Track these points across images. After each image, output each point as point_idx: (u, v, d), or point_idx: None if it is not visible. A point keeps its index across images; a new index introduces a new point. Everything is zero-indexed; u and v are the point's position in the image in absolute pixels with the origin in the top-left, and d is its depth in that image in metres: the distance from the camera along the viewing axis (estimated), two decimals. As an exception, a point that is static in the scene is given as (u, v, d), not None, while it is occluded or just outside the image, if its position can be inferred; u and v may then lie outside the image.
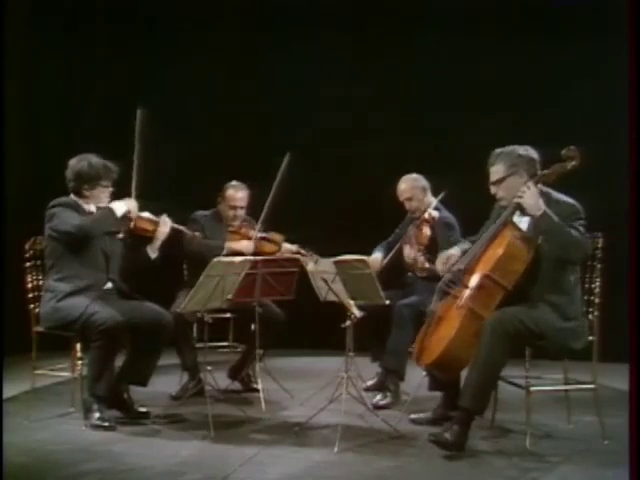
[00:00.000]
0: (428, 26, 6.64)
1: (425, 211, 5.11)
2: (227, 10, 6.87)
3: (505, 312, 3.90)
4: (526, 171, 4.00)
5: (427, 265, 4.98)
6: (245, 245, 5.16)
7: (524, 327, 3.85)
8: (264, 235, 5.24)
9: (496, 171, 4.06)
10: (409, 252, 5.09)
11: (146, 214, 4.63)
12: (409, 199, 5.15)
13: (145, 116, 4.72)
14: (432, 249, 4.97)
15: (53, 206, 4.43)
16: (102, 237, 4.50)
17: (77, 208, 4.46)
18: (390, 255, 5.10)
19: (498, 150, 4.10)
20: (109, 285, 4.52)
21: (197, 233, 4.93)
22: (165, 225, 4.66)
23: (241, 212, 5.34)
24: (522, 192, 3.91)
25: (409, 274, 5.20)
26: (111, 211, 4.45)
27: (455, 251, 4.21)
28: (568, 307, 3.96)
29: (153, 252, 4.65)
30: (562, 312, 3.93)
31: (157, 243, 4.65)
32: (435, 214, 5.07)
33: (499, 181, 4.05)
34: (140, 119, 4.71)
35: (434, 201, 5.18)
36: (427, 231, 5.02)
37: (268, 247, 5.24)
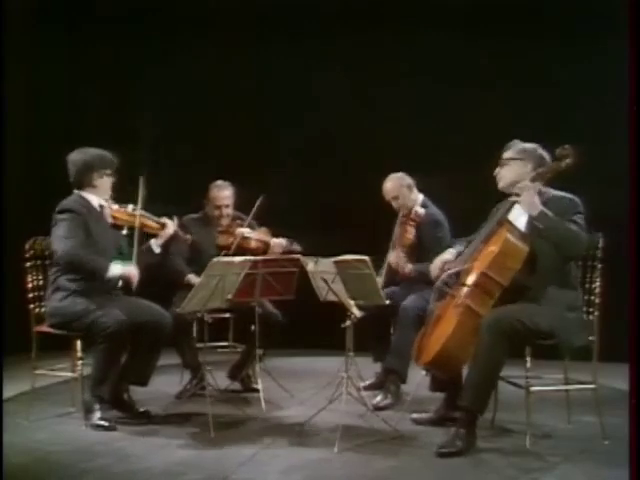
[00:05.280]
0: (427, 25, 6.63)
1: (412, 209, 5.12)
2: (227, 9, 6.86)
3: (502, 311, 3.91)
4: (533, 163, 4.06)
5: (407, 270, 4.98)
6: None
7: (522, 326, 3.86)
8: (248, 233, 5.22)
9: (505, 154, 4.16)
10: (392, 256, 5.08)
11: (146, 221, 4.65)
12: (395, 198, 5.18)
13: (148, 181, 4.65)
14: (416, 250, 4.99)
15: (61, 211, 4.41)
16: (115, 234, 4.57)
17: (84, 211, 4.43)
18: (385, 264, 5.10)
19: (517, 140, 4.19)
20: (120, 283, 4.53)
21: (188, 236, 4.93)
22: (170, 228, 4.69)
23: (227, 210, 5.33)
24: (519, 190, 3.96)
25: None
26: (104, 269, 4.39)
27: (450, 255, 4.23)
28: (571, 300, 3.99)
29: (157, 247, 4.67)
30: (565, 304, 3.95)
31: (161, 240, 4.68)
32: (421, 211, 5.09)
33: (504, 161, 4.13)
34: (143, 184, 4.64)
35: (420, 197, 5.19)
36: (411, 231, 5.03)
37: (253, 243, 5.23)
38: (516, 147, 4.14)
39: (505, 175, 4.13)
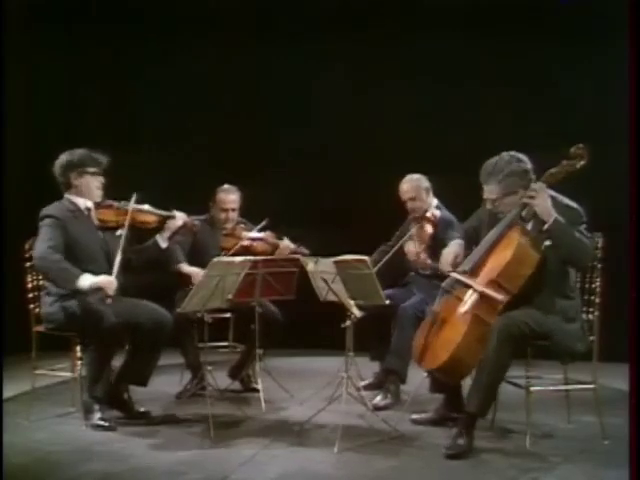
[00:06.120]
0: (427, 26, 6.62)
1: (426, 211, 5.11)
2: (227, 9, 6.86)
3: (511, 316, 3.88)
4: (522, 186, 3.97)
5: (429, 262, 4.97)
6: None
7: (529, 329, 3.85)
8: (255, 236, 5.23)
9: (490, 191, 4.06)
10: (411, 249, 5.04)
11: (147, 207, 4.61)
12: (412, 199, 5.12)
13: (141, 199, 4.59)
14: (434, 248, 4.97)
15: (41, 217, 4.40)
16: (101, 238, 4.50)
17: (67, 215, 4.39)
18: (385, 259, 5.01)
19: (488, 167, 4.07)
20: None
21: (196, 222, 4.92)
22: (178, 220, 4.67)
23: (233, 214, 5.34)
24: (532, 193, 3.88)
25: (411, 273, 5.19)
26: (74, 279, 4.24)
27: (458, 247, 4.19)
28: (569, 309, 3.96)
29: (163, 241, 4.66)
30: (564, 314, 3.93)
31: (167, 233, 4.67)
32: (437, 213, 5.08)
33: (497, 200, 4.04)
34: (135, 202, 4.57)
35: (435, 201, 5.18)
36: (429, 229, 5.01)
37: (261, 246, 5.23)
38: (494, 179, 4.00)
39: (504, 210, 4.04)
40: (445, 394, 4.37)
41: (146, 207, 4.61)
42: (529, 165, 4.03)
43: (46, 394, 4.94)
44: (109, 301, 4.27)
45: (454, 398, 4.28)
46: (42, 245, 4.30)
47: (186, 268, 5.13)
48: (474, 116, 6.49)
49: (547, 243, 3.91)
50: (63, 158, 4.52)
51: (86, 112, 6.95)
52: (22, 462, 3.81)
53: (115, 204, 4.57)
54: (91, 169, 4.50)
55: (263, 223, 5.20)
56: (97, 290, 4.26)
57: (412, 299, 4.95)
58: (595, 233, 4.17)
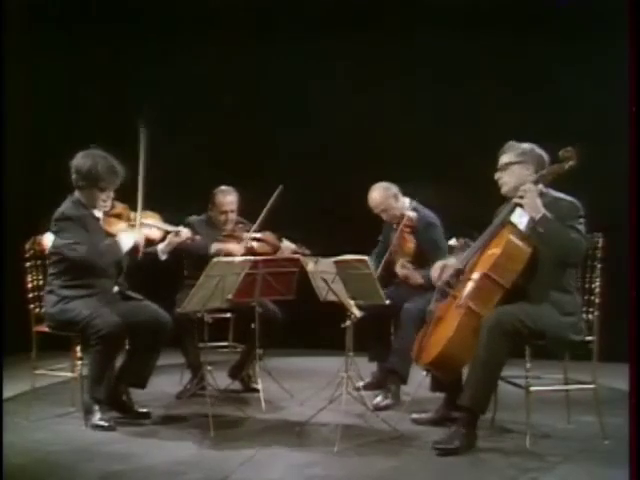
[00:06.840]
0: (427, 25, 6.62)
1: (403, 216, 5.03)
2: (227, 9, 6.86)
3: (503, 311, 3.91)
4: (534, 165, 4.04)
5: (419, 281, 4.89)
6: (234, 247, 5.14)
7: (523, 326, 3.86)
8: (255, 236, 5.23)
9: (504, 158, 4.12)
10: (401, 269, 4.98)
11: (153, 221, 4.61)
12: (384, 210, 5.10)
13: (148, 135, 4.62)
14: (419, 257, 4.96)
15: (61, 219, 4.34)
16: None
17: (84, 213, 4.37)
18: (380, 267, 4.95)
19: (511, 142, 4.15)
20: (115, 288, 4.51)
21: (197, 237, 4.92)
22: (181, 236, 4.67)
23: (232, 215, 5.34)
24: (522, 192, 3.93)
25: None
26: (118, 245, 4.36)
27: (452, 262, 4.20)
28: (567, 303, 3.98)
29: (163, 254, 4.68)
30: (561, 308, 3.95)
31: (169, 247, 4.67)
32: (413, 215, 5.00)
33: (505, 166, 4.10)
34: (144, 138, 4.59)
35: (407, 202, 5.11)
36: (411, 240, 4.95)
37: (262, 247, 5.23)
38: (514, 150, 4.10)
39: (508, 180, 4.09)
40: (445, 392, 4.37)
41: (153, 221, 4.60)
42: (547, 157, 4.08)
43: (46, 394, 4.95)
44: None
45: (454, 396, 4.27)
46: (77, 249, 4.26)
47: (224, 247, 5.13)
48: (474, 116, 6.49)
49: None
50: (81, 162, 4.40)
51: (86, 112, 6.95)
52: (22, 462, 3.81)
53: (124, 213, 4.54)
54: (102, 185, 4.40)
55: (278, 191, 5.18)
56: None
57: (415, 299, 4.89)
58: (595, 233, 4.19)
